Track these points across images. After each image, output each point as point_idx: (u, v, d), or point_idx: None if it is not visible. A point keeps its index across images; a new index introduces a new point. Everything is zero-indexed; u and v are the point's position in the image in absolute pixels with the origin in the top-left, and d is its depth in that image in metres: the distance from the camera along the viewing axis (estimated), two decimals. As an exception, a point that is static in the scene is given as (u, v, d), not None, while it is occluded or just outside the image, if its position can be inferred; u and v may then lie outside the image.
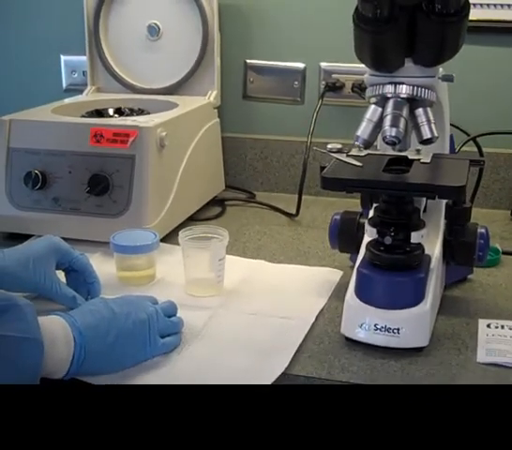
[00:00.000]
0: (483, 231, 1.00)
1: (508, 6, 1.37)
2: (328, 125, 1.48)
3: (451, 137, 1.04)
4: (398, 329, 0.90)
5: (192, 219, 1.36)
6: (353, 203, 1.10)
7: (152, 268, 1.11)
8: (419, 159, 0.95)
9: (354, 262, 0.99)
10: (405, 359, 0.89)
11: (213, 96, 1.47)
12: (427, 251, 0.95)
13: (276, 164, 1.57)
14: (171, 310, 0.95)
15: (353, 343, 0.93)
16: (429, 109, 0.89)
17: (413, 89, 0.88)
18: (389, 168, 0.94)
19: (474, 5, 1.35)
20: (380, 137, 0.89)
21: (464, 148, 1.33)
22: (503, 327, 0.96)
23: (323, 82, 1.50)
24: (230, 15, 1.51)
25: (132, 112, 1.40)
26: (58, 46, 1.64)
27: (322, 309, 1.02)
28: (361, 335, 0.92)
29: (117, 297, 0.92)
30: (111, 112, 1.41)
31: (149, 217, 1.20)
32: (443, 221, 1.01)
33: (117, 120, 1.31)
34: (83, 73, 1.61)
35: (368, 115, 0.90)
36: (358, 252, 0.99)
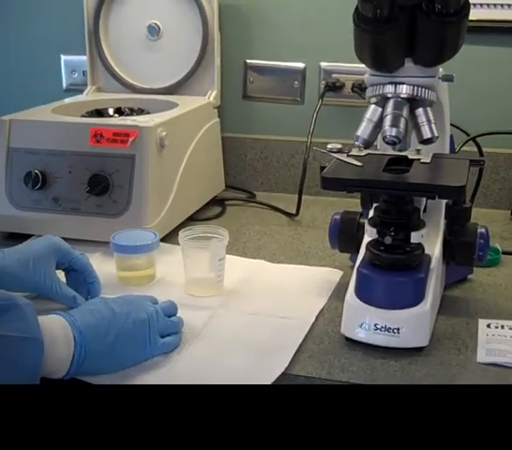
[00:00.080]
0: (483, 231, 1.00)
1: (508, 6, 1.37)
2: (328, 125, 1.48)
3: (451, 137, 1.04)
4: (398, 329, 0.90)
5: (192, 219, 1.36)
6: (353, 203, 1.10)
7: (152, 268, 1.11)
8: (419, 159, 0.95)
9: (354, 262, 0.99)
10: (405, 359, 0.89)
11: (213, 96, 1.47)
12: (427, 251, 0.95)
13: (276, 164, 1.57)
14: (171, 310, 0.95)
15: (353, 343, 0.93)
16: (429, 109, 0.89)
17: (413, 89, 0.88)
18: (389, 168, 0.94)
19: (474, 5, 1.35)
20: (380, 137, 0.89)
21: (464, 148, 1.33)
22: (503, 327, 0.96)
23: (323, 82, 1.50)
24: (230, 15, 1.51)
25: (132, 112, 1.40)
26: (58, 46, 1.64)
27: (322, 309, 1.02)
28: (361, 335, 0.92)
29: (117, 297, 0.92)
30: (111, 111, 1.41)
31: (149, 216, 1.20)
32: (443, 221, 1.01)
33: (117, 120, 1.31)
34: (83, 73, 1.61)
35: (368, 115, 0.90)
36: (358, 252, 0.99)
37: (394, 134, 0.86)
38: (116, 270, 1.10)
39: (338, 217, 1.07)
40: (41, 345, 0.76)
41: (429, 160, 0.95)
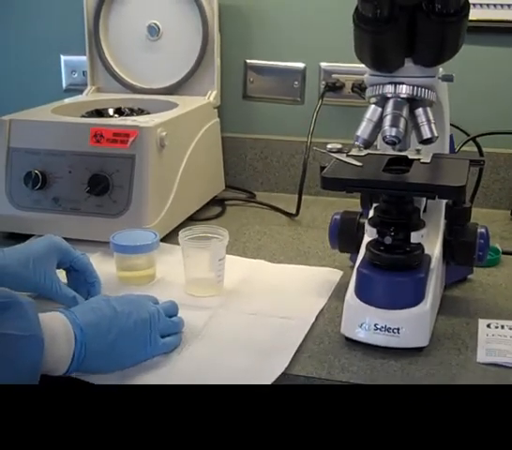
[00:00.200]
0: (483, 230, 1.00)
1: (508, 6, 1.37)
2: (328, 125, 1.48)
3: (451, 137, 1.04)
4: (398, 329, 0.90)
5: (192, 219, 1.36)
6: (353, 203, 1.10)
7: (152, 268, 1.11)
8: (419, 159, 0.95)
9: (354, 262, 0.99)
10: (405, 359, 0.89)
11: (213, 96, 1.47)
12: (427, 251, 0.95)
13: (276, 164, 1.57)
14: (172, 310, 0.95)
15: (353, 343, 0.93)
16: (428, 109, 0.89)
17: (413, 89, 0.88)
18: (389, 168, 0.94)
19: (474, 5, 1.35)
20: (380, 137, 0.89)
21: (464, 148, 1.33)
22: (503, 327, 0.96)
23: (323, 82, 1.50)
24: (230, 15, 1.51)
25: (132, 112, 1.40)
26: (58, 46, 1.64)
27: (322, 309, 1.02)
28: (361, 335, 0.92)
29: (119, 296, 0.92)
30: (111, 112, 1.41)
31: (149, 216, 1.20)
32: (443, 221, 1.01)
33: (117, 120, 1.31)
34: (83, 73, 1.61)
35: (368, 115, 0.90)
36: (358, 252, 0.99)
37: (394, 134, 0.86)
38: (116, 270, 1.10)
39: (338, 217, 1.07)
40: (42, 343, 0.76)
41: (429, 160, 0.95)
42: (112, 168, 1.19)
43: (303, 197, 1.41)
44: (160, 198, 1.24)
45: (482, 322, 0.97)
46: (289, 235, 1.32)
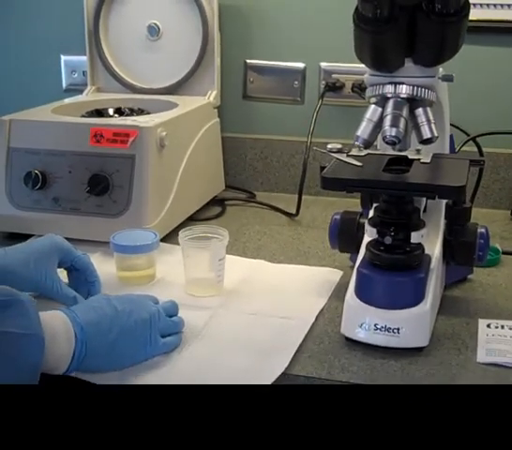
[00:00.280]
0: (483, 230, 1.00)
1: (508, 6, 1.37)
2: (328, 125, 1.48)
3: (451, 137, 1.04)
4: (398, 329, 0.90)
5: (192, 219, 1.36)
6: (353, 203, 1.10)
7: (152, 268, 1.11)
8: (419, 159, 0.95)
9: (354, 262, 0.99)
10: (405, 359, 0.89)
11: (213, 96, 1.47)
12: (427, 251, 0.95)
13: (276, 164, 1.57)
14: (172, 310, 0.95)
15: (353, 343, 0.93)
16: (428, 109, 0.89)
17: (413, 89, 0.88)
18: (389, 168, 0.94)
19: (474, 5, 1.35)
20: (380, 137, 0.89)
21: (464, 148, 1.33)
22: (503, 327, 0.96)
23: (323, 82, 1.50)
24: (230, 15, 1.51)
25: (132, 112, 1.40)
26: (58, 46, 1.64)
27: (322, 309, 1.02)
28: (361, 335, 0.92)
29: (119, 295, 0.92)
30: (111, 112, 1.41)
31: (149, 216, 1.20)
32: (443, 221, 1.01)
33: (117, 120, 1.31)
34: (83, 73, 1.61)
35: (368, 115, 0.90)
36: (358, 252, 0.99)
37: (394, 134, 0.86)
38: (116, 270, 1.10)
39: (338, 217, 1.07)
40: (42, 342, 0.76)
41: (429, 160, 0.95)
42: (112, 168, 1.19)
43: (303, 197, 1.41)
44: (160, 198, 1.24)
45: (482, 322, 0.97)
46: (289, 235, 1.32)
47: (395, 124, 0.86)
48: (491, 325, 0.96)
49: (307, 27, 1.49)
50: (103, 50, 1.52)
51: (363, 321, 0.91)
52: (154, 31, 1.49)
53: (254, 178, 1.59)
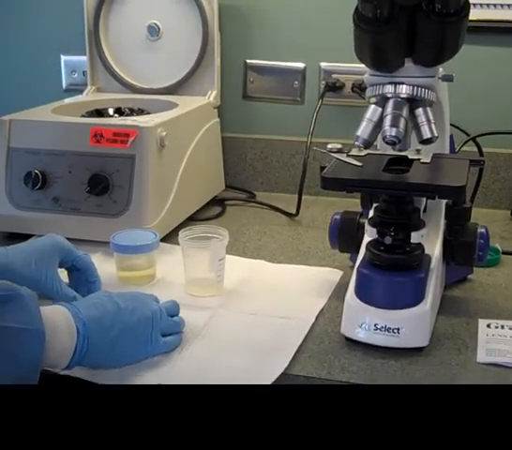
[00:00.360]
0: (483, 230, 1.00)
1: (508, 6, 1.37)
2: (328, 125, 1.48)
3: (451, 137, 1.04)
4: (398, 329, 0.90)
5: (192, 219, 1.36)
6: (353, 203, 1.10)
7: (152, 268, 1.11)
8: (419, 159, 0.95)
9: (354, 262, 0.99)
10: (405, 359, 0.89)
11: (213, 96, 1.47)
12: (427, 251, 0.95)
13: (276, 164, 1.57)
14: (173, 310, 0.95)
15: (353, 343, 0.93)
16: (428, 109, 0.89)
17: (413, 89, 0.88)
18: (389, 168, 0.94)
19: (474, 5, 1.35)
20: (380, 137, 0.89)
21: (464, 148, 1.33)
22: (503, 327, 0.96)
23: (323, 82, 1.50)
24: (230, 15, 1.51)
25: (132, 112, 1.40)
26: (58, 46, 1.64)
27: (322, 309, 1.02)
28: (361, 335, 0.92)
29: (122, 292, 0.92)
30: (111, 111, 1.41)
31: (149, 217, 1.20)
32: (443, 221, 1.01)
33: (117, 120, 1.31)
34: (83, 73, 1.61)
35: (368, 115, 0.90)
36: (358, 252, 0.99)
37: (394, 134, 0.86)
38: (116, 270, 1.10)
39: (338, 217, 1.07)
40: (43, 337, 0.76)
41: (429, 160, 0.95)
42: (112, 168, 1.19)
43: (303, 197, 1.41)
44: (160, 198, 1.24)
45: (482, 322, 0.97)
46: (289, 235, 1.32)
47: (395, 124, 0.86)
48: (491, 325, 0.96)
49: (307, 27, 1.49)
50: (103, 50, 1.52)
51: (363, 321, 0.91)
52: (154, 31, 1.49)
53: (254, 178, 1.59)
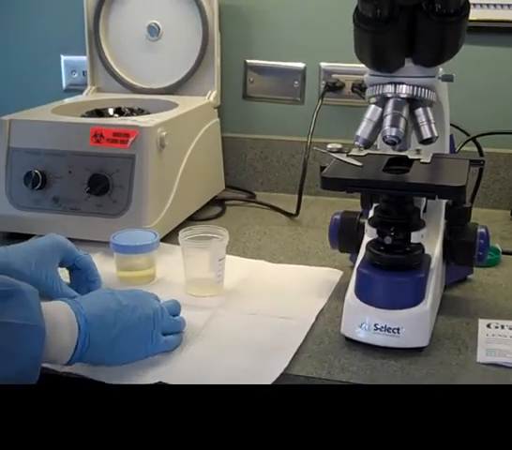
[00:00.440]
0: (483, 230, 1.00)
1: (508, 6, 1.37)
2: (328, 125, 1.48)
3: (451, 137, 1.04)
4: (398, 329, 0.90)
5: (192, 219, 1.36)
6: (353, 203, 1.10)
7: (152, 268, 1.11)
8: (419, 159, 0.95)
9: (354, 262, 0.99)
10: (405, 359, 0.89)
11: (213, 96, 1.47)
12: (427, 251, 0.95)
13: (276, 164, 1.57)
14: (174, 310, 0.95)
15: (353, 343, 0.93)
16: (428, 109, 0.89)
17: (413, 89, 0.88)
18: (389, 168, 0.94)
19: (474, 5, 1.35)
20: (380, 137, 0.89)
21: (464, 148, 1.33)
22: (503, 327, 0.96)
23: (323, 82, 1.50)
24: (230, 15, 1.51)
25: (132, 112, 1.40)
26: (58, 46, 1.64)
27: (322, 309, 1.02)
28: (361, 335, 0.92)
29: (124, 290, 0.92)
30: (111, 111, 1.41)
31: (149, 216, 1.20)
32: (443, 221, 1.01)
33: (117, 120, 1.31)
34: (83, 73, 1.61)
35: (368, 115, 0.90)
36: (358, 252, 0.99)
37: (394, 134, 0.86)
38: (116, 270, 1.10)
39: (338, 217, 1.07)
40: (43, 333, 0.76)
41: (429, 160, 0.95)
42: (112, 168, 1.19)
43: (303, 197, 1.41)
44: (160, 198, 1.24)
45: (482, 322, 0.97)
46: (289, 235, 1.32)
47: (395, 124, 0.86)
48: (491, 325, 0.96)
49: (307, 27, 1.49)
50: (103, 50, 1.52)
51: (363, 321, 0.91)
52: (154, 31, 1.49)
53: (254, 178, 1.59)
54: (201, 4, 1.43)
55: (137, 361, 0.88)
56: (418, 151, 0.96)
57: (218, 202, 1.48)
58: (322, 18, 1.48)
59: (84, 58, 1.55)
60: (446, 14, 0.82)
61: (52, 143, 1.23)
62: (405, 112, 0.87)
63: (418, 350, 0.91)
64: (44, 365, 0.79)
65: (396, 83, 0.88)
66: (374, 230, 0.94)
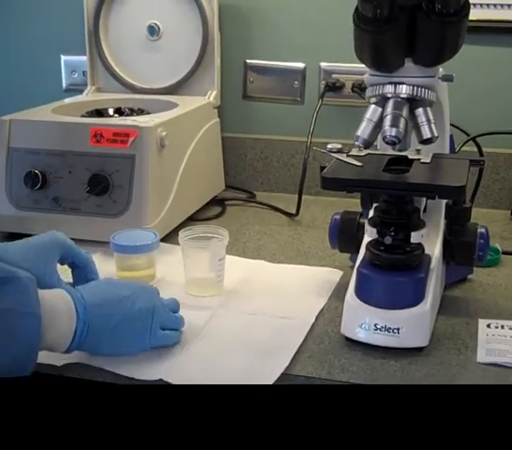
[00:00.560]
0: (483, 230, 1.00)
1: (508, 6, 1.37)
2: (328, 125, 1.48)
3: (451, 137, 1.04)
4: (398, 329, 0.90)
5: (192, 219, 1.36)
6: (353, 203, 1.10)
7: (152, 268, 1.11)
8: (419, 159, 0.95)
9: (354, 262, 0.99)
10: (405, 359, 0.89)
11: (213, 96, 1.47)
12: (427, 251, 0.95)
13: (276, 164, 1.57)
14: (173, 307, 0.95)
15: (353, 343, 0.93)
16: (428, 109, 0.89)
17: (413, 89, 0.88)
18: (389, 168, 0.94)
19: (474, 5, 1.35)
20: (380, 137, 0.89)
21: (464, 148, 1.33)
22: (503, 327, 0.96)
23: (323, 82, 1.50)
24: (230, 15, 1.51)
25: (132, 112, 1.40)
26: (58, 46, 1.64)
27: (322, 309, 1.02)
28: (361, 335, 0.91)
29: (127, 281, 0.92)
30: (111, 111, 1.41)
31: (149, 216, 1.20)
32: (443, 221, 1.01)
33: (117, 120, 1.31)
34: (83, 73, 1.61)
35: (368, 115, 0.90)
36: (358, 252, 0.99)
37: (394, 134, 0.86)
38: (116, 270, 1.10)
39: (338, 217, 1.07)
40: (39, 320, 0.76)
41: (429, 160, 0.95)
42: (112, 168, 1.19)
43: (303, 197, 1.41)
44: (160, 198, 1.24)
45: (482, 322, 0.97)
46: (289, 235, 1.32)
47: (395, 124, 0.86)
48: (491, 325, 0.96)
49: (307, 27, 1.49)
50: (103, 50, 1.52)
51: (363, 321, 0.91)
52: (154, 31, 1.49)
53: (254, 178, 1.59)
54: (201, 4, 1.43)
55: (136, 355, 0.87)
56: (418, 151, 0.96)
57: (218, 202, 1.48)
58: (322, 18, 1.48)
59: (84, 58, 1.55)
60: (446, 14, 0.82)
61: (52, 143, 1.23)
62: (405, 112, 0.87)
63: (418, 350, 0.91)
64: (43, 361, 0.79)
65: (396, 83, 0.88)
66: (374, 230, 0.94)
